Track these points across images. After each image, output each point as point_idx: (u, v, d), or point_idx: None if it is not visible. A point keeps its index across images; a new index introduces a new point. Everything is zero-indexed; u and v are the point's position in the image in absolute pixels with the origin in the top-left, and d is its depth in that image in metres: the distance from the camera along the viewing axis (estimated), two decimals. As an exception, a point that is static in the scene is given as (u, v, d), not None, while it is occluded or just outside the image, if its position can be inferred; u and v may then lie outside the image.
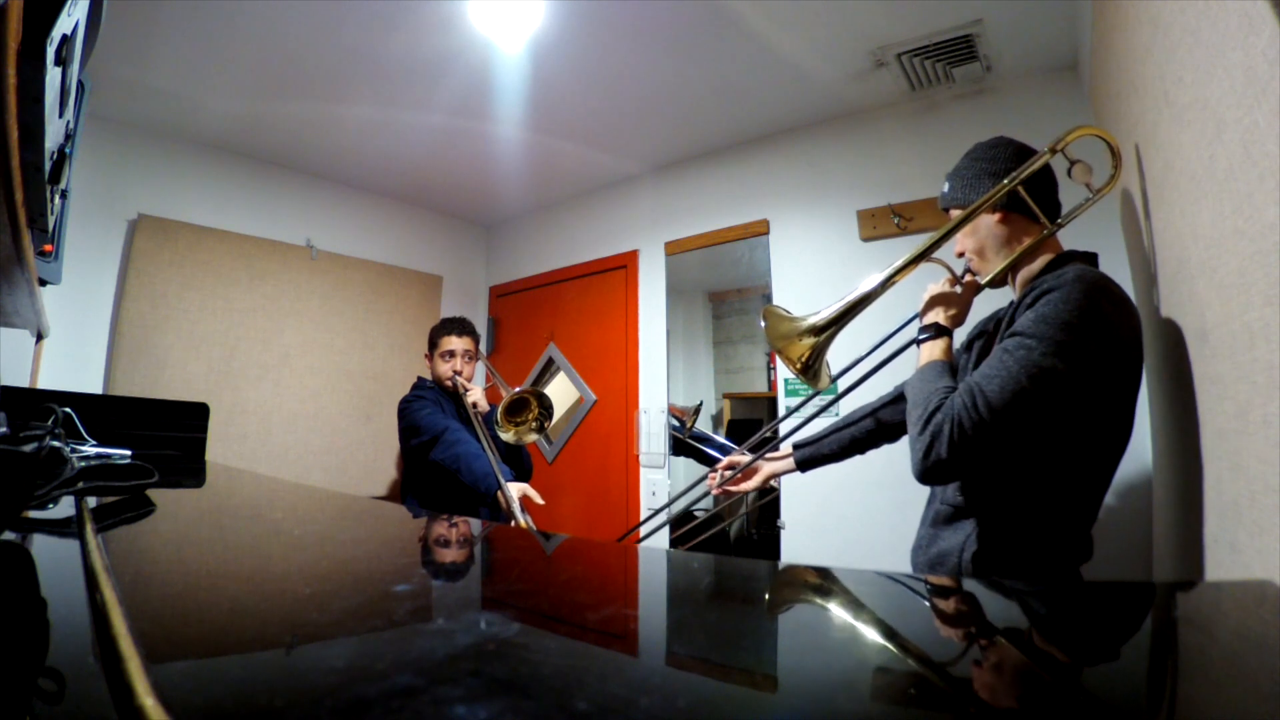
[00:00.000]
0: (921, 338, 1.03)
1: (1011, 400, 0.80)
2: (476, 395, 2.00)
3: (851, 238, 2.24)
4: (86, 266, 2.25)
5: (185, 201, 2.52)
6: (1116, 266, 1.52)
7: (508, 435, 1.87)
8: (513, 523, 1.71)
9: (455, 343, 2.04)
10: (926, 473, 0.86)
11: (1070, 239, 1.03)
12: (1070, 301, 0.83)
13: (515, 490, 1.73)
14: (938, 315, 1.03)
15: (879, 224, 2.16)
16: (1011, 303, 1.02)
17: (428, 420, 1.89)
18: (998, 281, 1.04)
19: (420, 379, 2.11)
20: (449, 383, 2.03)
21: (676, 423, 2.67)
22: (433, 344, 2.09)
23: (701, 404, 2.68)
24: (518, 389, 1.88)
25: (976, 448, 0.82)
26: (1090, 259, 1.00)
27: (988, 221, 1.03)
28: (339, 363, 2.91)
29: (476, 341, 2.10)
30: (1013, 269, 1.03)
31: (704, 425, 2.77)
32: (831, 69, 2.03)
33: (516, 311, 3.45)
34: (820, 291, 2.29)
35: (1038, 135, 1.89)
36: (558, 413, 3.09)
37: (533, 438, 1.90)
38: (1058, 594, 0.51)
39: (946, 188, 1.10)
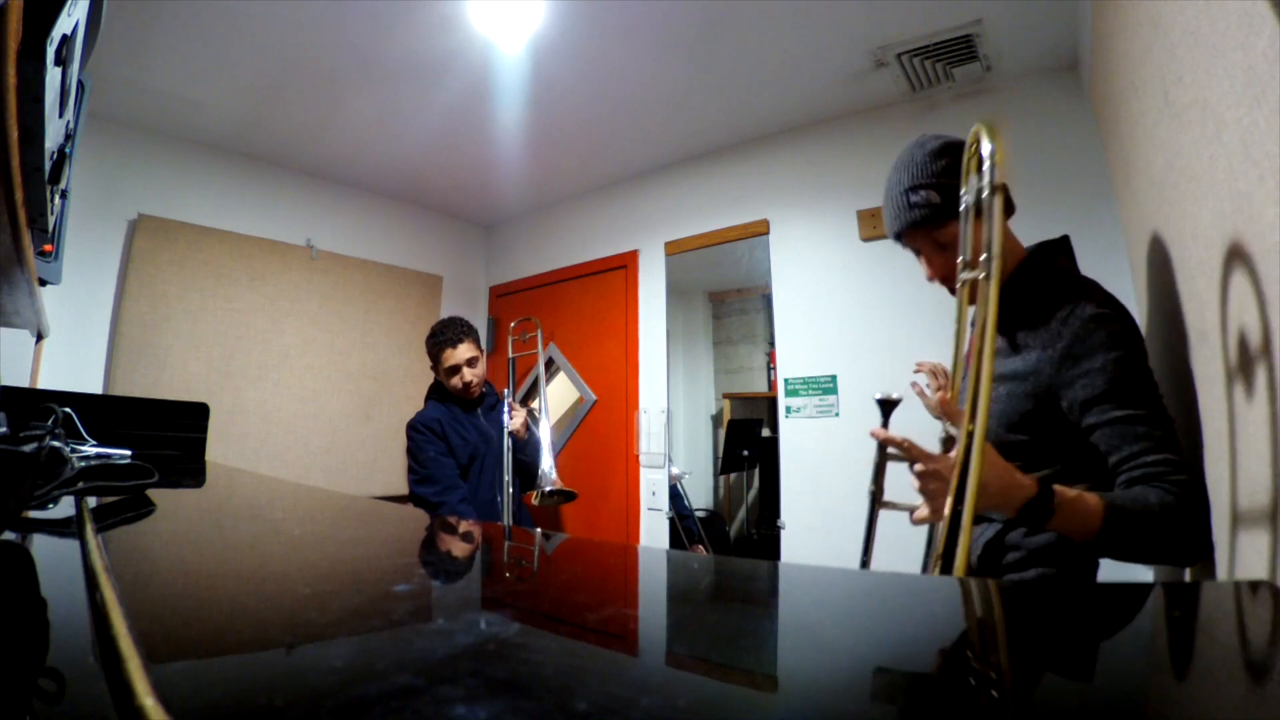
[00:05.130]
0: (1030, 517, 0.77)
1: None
2: (517, 424, 1.96)
3: (851, 238, 2.24)
4: (86, 266, 2.25)
5: (185, 201, 2.52)
6: (1117, 266, 1.52)
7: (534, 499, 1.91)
8: (511, 423, 1.95)
9: (454, 355, 1.96)
10: (1196, 555, 0.77)
11: (1074, 236, 1.01)
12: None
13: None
14: (997, 498, 0.75)
15: (879, 224, 2.16)
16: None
17: (431, 470, 1.88)
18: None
19: (434, 388, 2.07)
20: (463, 394, 2.00)
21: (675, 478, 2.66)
22: (434, 358, 2.02)
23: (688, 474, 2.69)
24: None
25: (1194, 502, 0.77)
26: (1063, 245, 0.98)
27: (963, 230, 0.90)
28: (339, 363, 2.91)
29: (476, 339, 2.04)
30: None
31: (702, 430, 2.77)
32: (831, 69, 2.03)
33: (516, 311, 3.45)
34: (820, 291, 2.29)
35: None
36: (558, 412, 3.10)
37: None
38: (1059, 593, 0.51)
39: (919, 206, 0.92)
